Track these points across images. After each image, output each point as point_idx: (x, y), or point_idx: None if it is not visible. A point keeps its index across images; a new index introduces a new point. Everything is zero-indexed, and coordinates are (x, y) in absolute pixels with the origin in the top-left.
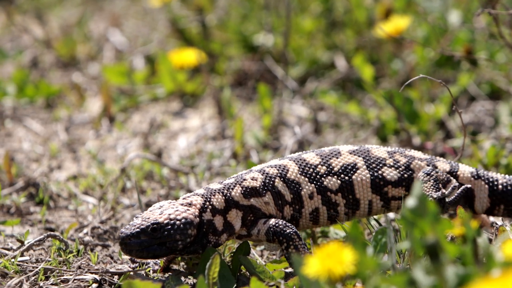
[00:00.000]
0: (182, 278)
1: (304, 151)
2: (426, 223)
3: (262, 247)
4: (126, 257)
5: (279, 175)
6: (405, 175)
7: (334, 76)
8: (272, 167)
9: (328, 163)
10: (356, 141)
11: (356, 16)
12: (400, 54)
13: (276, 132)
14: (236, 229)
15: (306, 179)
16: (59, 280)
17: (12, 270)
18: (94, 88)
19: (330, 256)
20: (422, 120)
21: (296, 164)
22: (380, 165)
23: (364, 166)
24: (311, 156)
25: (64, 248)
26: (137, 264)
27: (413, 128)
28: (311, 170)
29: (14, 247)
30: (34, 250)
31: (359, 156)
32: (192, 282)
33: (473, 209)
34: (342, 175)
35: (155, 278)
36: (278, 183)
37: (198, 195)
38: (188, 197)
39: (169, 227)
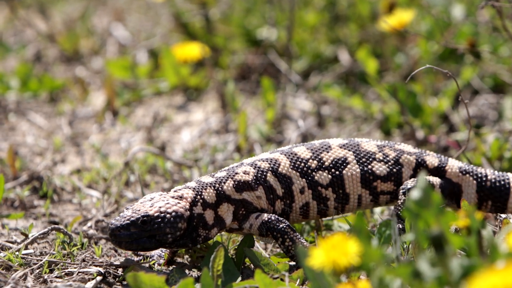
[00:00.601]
0: (186, 271)
1: (294, 144)
2: (431, 215)
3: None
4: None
5: (270, 169)
6: (394, 170)
7: (338, 70)
8: (263, 161)
9: (319, 157)
10: (359, 134)
11: (359, 10)
12: (404, 48)
13: (280, 126)
14: (227, 223)
15: (298, 173)
16: (63, 273)
17: (17, 263)
18: (98, 82)
19: (335, 248)
20: (425, 113)
21: (288, 158)
22: (370, 159)
23: (355, 161)
24: (302, 150)
25: (68, 241)
26: (141, 257)
27: (417, 122)
28: (302, 164)
29: (18, 240)
30: (38, 243)
31: (349, 150)
32: (196, 275)
33: (459, 205)
34: (332, 170)
35: (159, 271)
36: (270, 178)
37: (189, 188)
38: (179, 189)
39: (159, 220)
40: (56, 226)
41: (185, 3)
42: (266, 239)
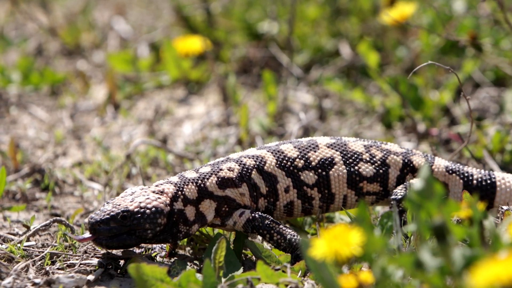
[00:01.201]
0: (188, 263)
1: (282, 142)
2: (433, 205)
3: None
4: None
5: (256, 166)
6: (381, 171)
7: (339, 63)
8: (249, 158)
9: (306, 156)
10: (360, 128)
11: (360, 3)
12: (405, 41)
13: (281, 119)
14: (208, 219)
15: (283, 172)
16: (65, 265)
17: (19, 255)
18: (99, 75)
19: (337, 238)
20: (427, 106)
21: (274, 156)
22: (357, 160)
23: (341, 161)
24: (289, 149)
25: (70, 233)
26: (143, 249)
27: (418, 115)
28: (289, 163)
29: (20, 232)
30: (40, 235)
31: (336, 150)
32: (198, 267)
33: None
34: (319, 170)
35: (161, 262)
36: (255, 175)
37: (171, 183)
38: (161, 184)
39: (139, 215)
40: (58, 218)
41: None
42: (251, 234)
